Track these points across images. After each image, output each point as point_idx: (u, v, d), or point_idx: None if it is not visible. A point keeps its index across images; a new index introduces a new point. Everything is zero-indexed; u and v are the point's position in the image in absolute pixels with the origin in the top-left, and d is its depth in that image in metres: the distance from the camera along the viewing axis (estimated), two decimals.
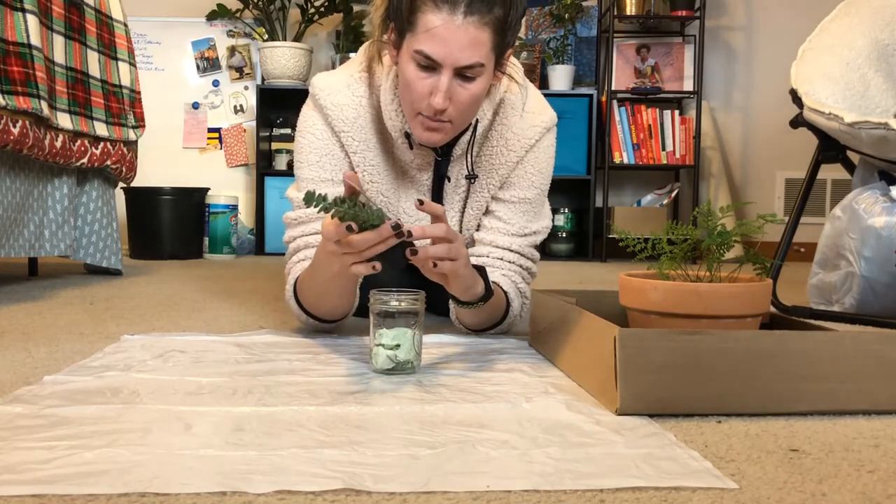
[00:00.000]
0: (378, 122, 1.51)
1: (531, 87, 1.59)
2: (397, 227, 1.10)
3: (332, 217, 1.09)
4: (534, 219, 1.58)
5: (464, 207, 1.60)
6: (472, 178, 1.54)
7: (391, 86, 1.46)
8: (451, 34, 1.28)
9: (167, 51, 4.25)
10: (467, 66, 1.30)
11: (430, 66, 1.31)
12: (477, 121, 1.49)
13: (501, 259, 1.53)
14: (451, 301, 1.48)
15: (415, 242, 1.18)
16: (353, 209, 1.09)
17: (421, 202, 1.17)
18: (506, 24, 1.33)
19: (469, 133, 1.50)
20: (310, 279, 1.38)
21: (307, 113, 1.53)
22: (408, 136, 1.48)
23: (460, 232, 1.64)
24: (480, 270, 1.37)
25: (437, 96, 1.31)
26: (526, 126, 1.53)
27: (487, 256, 1.53)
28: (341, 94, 1.50)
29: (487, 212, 1.58)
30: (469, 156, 1.53)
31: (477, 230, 1.59)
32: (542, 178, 1.57)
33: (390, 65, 1.45)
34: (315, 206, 1.06)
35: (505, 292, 1.50)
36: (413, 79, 1.33)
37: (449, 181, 1.56)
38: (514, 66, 1.54)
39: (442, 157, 1.53)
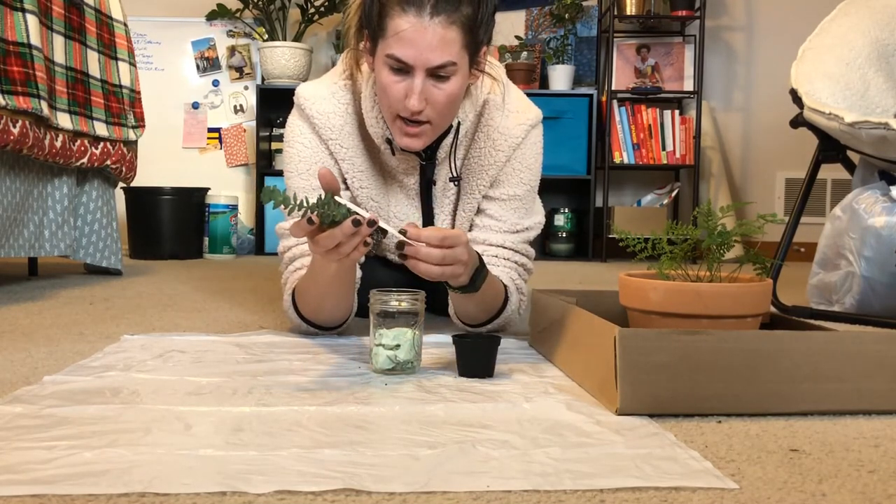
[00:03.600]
0: (363, 128, 1.52)
1: (512, 86, 1.59)
2: (357, 224, 1.08)
3: (290, 212, 1.08)
4: (526, 215, 1.58)
5: (455, 210, 1.60)
6: (455, 180, 1.54)
7: (371, 93, 1.46)
8: (419, 36, 1.29)
9: (167, 51, 4.25)
10: (439, 66, 1.31)
11: (402, 69, 1.32)
12: (459, 123, 1.49)
13: (496, 256, 1.53)
14: (449, 292, 1.47)
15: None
16: (316, 205, 1.07)
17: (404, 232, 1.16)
18: (475, 22, 1.33)
19: (451, 136, 1.50)
20: (309, 283, 1.38)
21: (294, 123, 1.53)
22: (390, 142, 1.48)
23: None
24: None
25: (411, 98, 1.32)
26: (512, 125, 1.53)
27: (483, 255, 1.52)
28: (327, 102, 1.51)
29: (479, 211, 1.58)
30: (452, 158, 1.53)
31: (469, 230, 1.59)
32: (532, 175, 1.57)
33: (369, 72, 1.46)
34: (274, 206, 1.06)
35: (505, 286, 1.50)
36: (388, 83, 1.34)
37: (435, 185, 1.56)
38: (495, 66, 1.55)
39: (426, 162, 1.53)
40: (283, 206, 1.06)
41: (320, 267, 1.29)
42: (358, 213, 1.09)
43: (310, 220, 1.08)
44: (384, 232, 1.14)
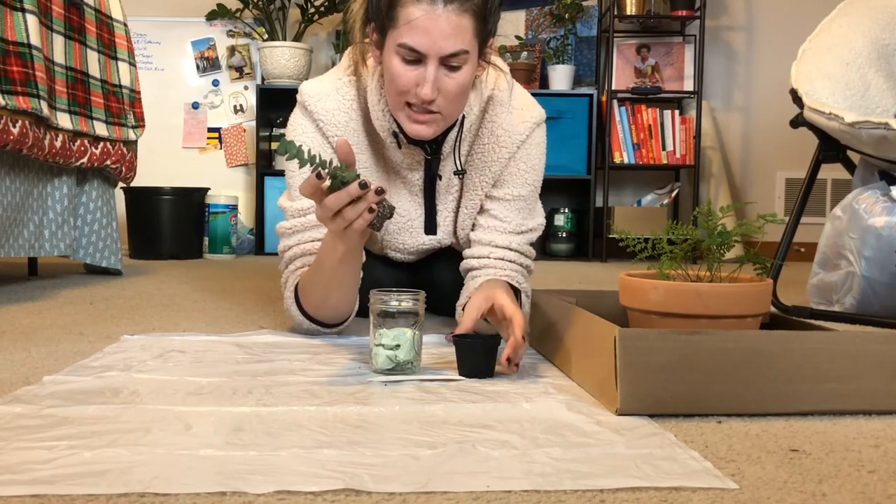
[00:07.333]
0: (368, 124, 1.51)
1: (517, 84, 1.59)
2: (365, 185, 1.12)
3: (303, 165, 1.11)
4: (529, 216, 1.58)
5: (457, 207, 1.60)
6: (460, 173, 1.54)
7: (377, 86, 1.46)
8: (432, 24, 1.28)
9: (167, 51, 4.25)
10: (452, 55, 1.31)
11: (415, 58, 1.32)
12: (463, 116, 1.49)
13: (503, 259, 1.52)
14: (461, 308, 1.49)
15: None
16: (328, 163, 1.11)
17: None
18: (486, 10, 1.34)
19: (455, 129, 1.50)
20: (315, 274, 1.38)
21: (297, 121, 1.53)
22: (396, 135, 1.48)
23: (455, 233, 1.64)
24: (516, 292, 1.43)
25: (424, 87, 1.32)
26: (515, 122, 1.53)
27: (489, 257, 1.52)
28: (331, 98, 1.50)
29: (482, 210, 1.58)
30: (457, 152, 1.53)
31: (472, 229, 1.59)
32: (535, 175, 1.57)
33: (375, 66, 1.46)
34: (288, 157, 1.09)
35: (518, 293, 1.50)
36: (399, 73, 1.33)
37: (440, 179, 1.56)
38: (500, 62, 1.55)
39: (431, 156, 1.53)
40: (297, 159, 1.09)
41: (328, 249, 1.29)
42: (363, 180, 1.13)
43: (318, 175, 1.11)
44: (392, 210, 1.17)
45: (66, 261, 3.11)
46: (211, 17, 4.14)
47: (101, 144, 2.47)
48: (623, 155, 4.08)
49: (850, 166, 2.17)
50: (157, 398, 1.04)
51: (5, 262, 3.07)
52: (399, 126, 1.45)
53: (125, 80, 2.66)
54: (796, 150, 3.90)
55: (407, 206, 1.59)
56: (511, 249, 1.54)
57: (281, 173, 4.02)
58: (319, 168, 1.11)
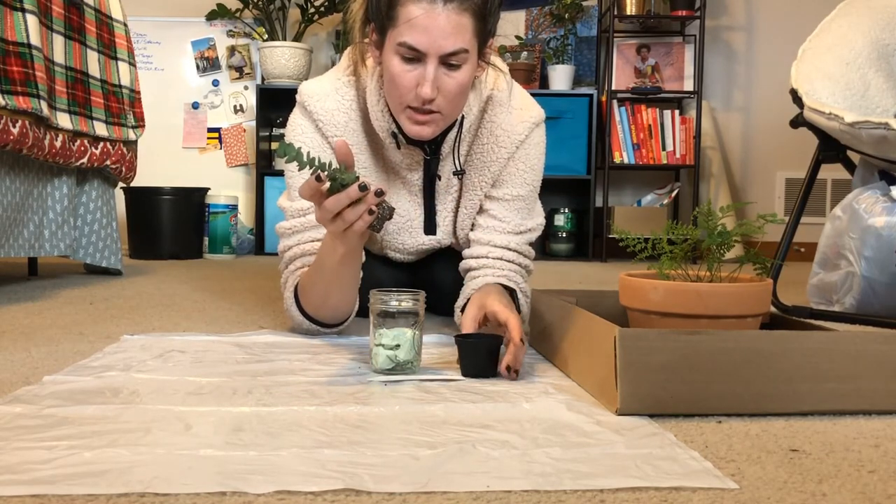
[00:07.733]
0: (367, 124, 1.51)
1: (516, 84, 1.59)
2: (364, 188, 1.12)
3: (302, 168, 1.11)
4: (528, 216, 1.58)
5: (456, 207, 1.60)
6: (459, 173, 1.54)
7: (376, 87, 1.46)
8: (432, 22, 1.28)
9: (167, 51, 4.25)
10: (451, 53, 1.31)
11: (414, 57, 1.32)
12: (462, 116, 1.49)
13: (501, 258, 1.52)
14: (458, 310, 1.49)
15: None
16: (327, 166, 1.11)
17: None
18: (486, 10, 1.34)
19: (455, 129, 1.50)
20: (315, 274, 1.38)
21: (296, 121, 1.53)
22: (395, 136, 1.48)
23: (454, 233, 1.64)
24: (511, 293, 1.42)
25: (424, 86, 1.32)
26: (515, 122, 1.53)
27: (487, 257, 1.52)
28: (330, 98, 1.50)
29: (482, 210, 1.58)
30: (456, 152, 1.53)
31: (471, 229, 1.59)
32: (535, 175, 1.57)
33: (374, 66, 1.46)
34: (287, 160, 1.09)
35: (515, 296, 1.50)
36: (398, 72, 1.33)
37: (440, 180, 1.56)
38: (499, 63, 1.55)
39: (430, 157, 1.53)
40: (295, 162, 1.09)
41: (328, 250, 1.29)
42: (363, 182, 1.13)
43: (318, 178, 1.11)
44: (392, 211, 1.17)
45: (66, 261, 3.11)
46: (211, 17, 4.14)
47: (101, 144, 2.47)
48: (623, 155, 4.08)
49: (850, 166, 2.17)
50: (157, 398, 1.04)
51: (5, 262, 3.07)
52: (398, 126, 1.45)
53: (125, 80, 2.66)
54: (796, 150, 3.90)
55: (406, 207, 1.59)
56: (510, 249, 1.53)
57: (281, 173, 4.02)
58: (318, 170, 1.11)
